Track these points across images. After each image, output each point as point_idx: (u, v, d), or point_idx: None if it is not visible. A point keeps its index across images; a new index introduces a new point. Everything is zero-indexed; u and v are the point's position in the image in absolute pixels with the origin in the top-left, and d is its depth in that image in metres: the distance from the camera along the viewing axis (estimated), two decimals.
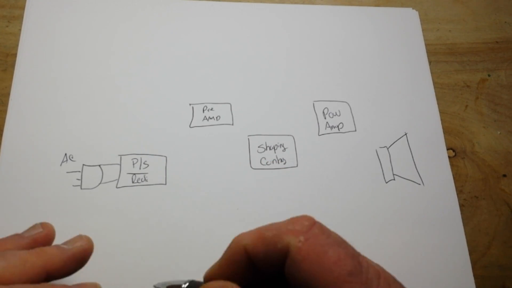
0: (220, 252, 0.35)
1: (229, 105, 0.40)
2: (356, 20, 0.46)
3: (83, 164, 0.36)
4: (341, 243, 0.21)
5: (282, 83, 0.42)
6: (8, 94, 0.38)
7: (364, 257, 0.21)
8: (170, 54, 0.42)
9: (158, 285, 0.28)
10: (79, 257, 0.29)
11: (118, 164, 0.37)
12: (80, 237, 0.31)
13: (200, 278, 0.34)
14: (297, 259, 0.20)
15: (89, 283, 0.29)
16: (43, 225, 0.30)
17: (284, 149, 0.39)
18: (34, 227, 0.30)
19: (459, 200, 0.39)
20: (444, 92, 0.44)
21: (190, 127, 0.39)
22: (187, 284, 0.26)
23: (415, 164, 0.40)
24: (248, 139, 0.39)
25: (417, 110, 0.42)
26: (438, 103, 0.43)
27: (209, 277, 0.25)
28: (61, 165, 0.36)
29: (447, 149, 0.41)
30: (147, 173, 0.37)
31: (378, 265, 0.21)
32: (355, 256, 0.21)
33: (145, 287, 0.33)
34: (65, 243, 0.29)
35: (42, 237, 0.29)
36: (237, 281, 0.22)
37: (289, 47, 0.44)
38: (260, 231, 0.22)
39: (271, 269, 0.22)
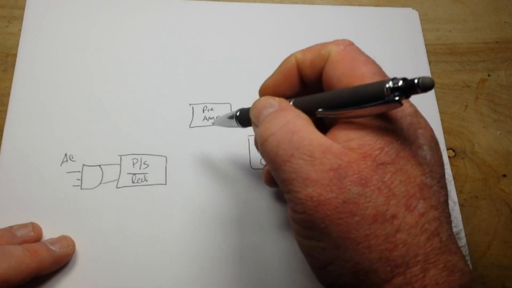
0: (219, 251, 0.35)
1: (229, 105, 0.40)
2: (356, 20, 0.46)
3: (83, 164, 0.36)
4: (372, 59, 0.25)
5: None
6: (8, 94, 0.38)
7: None
8: (170, 54, 0.41)
9: (215, 122, 0.35)
10: (63, 260, 0.32)
11: (118, 164, 0.37)
12: (65, 239, 0.33)
13: (203, 274, 0.34)
14: (335, 59, 0.25)
15: None
16: (33, 227, 0.33)
17: None
18: (25, 226, 0.33)
19: (459, 200, 0.39)
20: (444, 92, 0.44)
21: (190, 127, 0.39)
22: (238, 112, 0.31)
23: None
24: (248, 139, 0.39)
25: None
26: (438, 103, 0.43)
27: (264, 88, 0.29)
28: (61, 165, 0.36)
29: (447, 149, 0.41)
30: (147, 173, 0.37)
31: None
32: (381, 68, 0.24)
33: (145, 286, 0.33)
34: (52, 243, 0.32)
35: (31, 239, 0.32)
36: (286, 92, 0.28)
37: (289, 47, 0.43)
38: (309, 46, 0.27)
39: (314, 78, 0.26)
